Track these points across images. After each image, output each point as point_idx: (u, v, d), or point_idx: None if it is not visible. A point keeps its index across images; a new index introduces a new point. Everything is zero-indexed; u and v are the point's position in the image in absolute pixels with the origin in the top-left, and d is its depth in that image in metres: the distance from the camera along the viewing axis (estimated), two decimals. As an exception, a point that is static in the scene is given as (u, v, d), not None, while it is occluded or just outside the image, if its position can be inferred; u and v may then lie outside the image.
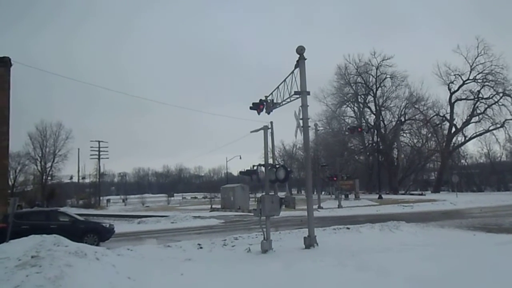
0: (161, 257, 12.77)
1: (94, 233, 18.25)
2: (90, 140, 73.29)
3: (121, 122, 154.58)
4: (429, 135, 73.91)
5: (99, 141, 71.79)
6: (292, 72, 15.02)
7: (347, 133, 59.82)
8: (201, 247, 14.43)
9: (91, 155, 71.74)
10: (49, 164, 73.82)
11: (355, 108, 74.88)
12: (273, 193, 16.03)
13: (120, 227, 23.00)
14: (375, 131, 71.30)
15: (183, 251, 13.77)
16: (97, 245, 16.01)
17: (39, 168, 73.82)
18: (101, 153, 71.79)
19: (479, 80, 68.09)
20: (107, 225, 19.68)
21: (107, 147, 72.67)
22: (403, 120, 71.14)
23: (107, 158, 73.07)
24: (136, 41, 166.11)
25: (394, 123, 72.39)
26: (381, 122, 72.89)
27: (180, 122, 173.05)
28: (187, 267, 11.34)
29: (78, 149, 72.40)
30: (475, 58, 67.01)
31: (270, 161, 25.49)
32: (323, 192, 61.40)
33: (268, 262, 11.53)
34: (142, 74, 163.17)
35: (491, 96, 67.89)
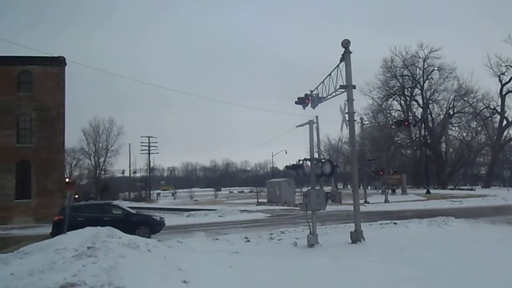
0: (209, 249, 13.07)
1: (145, 225, 18.81)
2: (141, 135, 75.29)
3: (169, 117, 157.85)
4: (479, 128, 71.36)
5: (149, 137, 73.82)
6: (338, 66, 14.96)
7: (393, 127, 58.68)
8: (248, 241, 14.65)
9: (141, 150, 73.96)
10: (102, 159, 76.76)
11: (401, 101, 73.24)
12: (319, 188, 16.08)
13: (170, 220, 23.59)
14: (423, 125, 69.56)
15: (230, 244, 14.04)
16: (149, 237, 16.52)
17: (93, 162, 76.83)
18: (151, 148, 73.81)
19: (532, 71, 65.11)
20: (158, 218, 20.23)
21: (156, 142, 74.67)
22: (451, 113, 69.01)
23: (157, 153, 75.21)
24: (176, 38, 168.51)
25: (442, 116, 70.33)
26: (429, 115, 71.01)
27: (225, 118, 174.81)
28: (235, 259, 11.57)
29: (129, 144, 74.83)
30: (528, 48, 64.04)
31: (316, 155, 25.51)
32: (369, 187, 60.57)
33: (314, 256, 11.61)
34: (183, 71, 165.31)
35: (545, 86, 64.86)
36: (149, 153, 73.12)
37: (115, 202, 25.30)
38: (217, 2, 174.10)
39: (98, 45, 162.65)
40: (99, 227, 12.88)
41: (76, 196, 41.66)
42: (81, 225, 13.91)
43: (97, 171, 75.70)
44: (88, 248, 10.58)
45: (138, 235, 15.62)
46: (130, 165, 78.33)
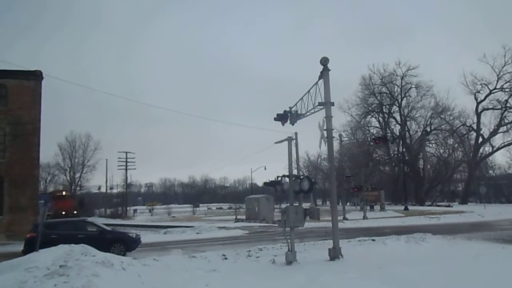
0: (186, 267, 12.84)
1: (120, 243, 18.46)
2: (118, 151, 74.29)
3: (148, 133, 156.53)
4: (456, 145, 72.82)
5: (126, 152, 72.85)
6: (316, 83, 15.03)
7: (372, 143, 59.20)
8: (225, 258, 14.46)
9: (118, 165, 72.81)
10: (78, 175, 75.67)
11: (380, 118, 74.42)
12: (297, 204, 15.99)
13: (147, 237, 23.26)
14: (401, 142, 70.64)
15: (208, 262, 13.83)
16: (124, 255, 16.20)
17: (68, 178, 75.67)
18: (128, 163, 72.73)
19: (506, 89, 67.05)
20: (134, 235, 19.88)
21: (134, 158, 73.66)
22: (429, 130, 70.29)
23: (134, 169, 73.85)
24: (150, 53, 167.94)
25: (419, 133, 71.71)
26: (407, 132, 72.25)
27: (204, 134, 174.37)
28: (212, 278, 11.38)
29: (106, 159, 73.89)
30: (502, 67, 66.07)
31: (295, 172, 25.47)
32: (348, 203, 60.81)
33: (292, 274, 11.50)
34: (163, 86, 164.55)
35: (519, 105, 66.62)
36: (126, 169, 72.01)
37: (89, 219, 24.78)
38: (197, 17, 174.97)
39: (79, 59, 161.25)
40: (72, 245, 12.66)
41: (50, 213, 40.75)
42: (55, 242, 13.62)
43: (73, 187, 74.48)
44: (61, 266, 10.34)
45: (113, 252, 15.43)
46: (106, 181, 77.27)
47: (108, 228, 20.45)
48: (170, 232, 28.17)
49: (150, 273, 11.69)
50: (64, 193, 55.49)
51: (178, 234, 27.55)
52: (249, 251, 15.91)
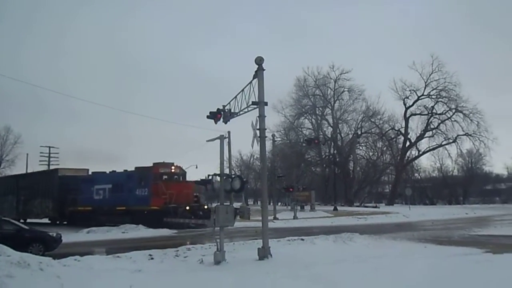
0: (109, 268, 12.30)
1: (39, 242, 17.44)
2: (40, 145, 70.19)
3: (72, 128, 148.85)
4: (384, 148, 75.85)
5: (49, 147, 69.15)
6: (251, 82, 14.94)
7: (304, 144, 60.40)
8: (152, 258, 14.02)
9: (40, 161, 68.60)
10: (-6, 170, 71.00)
11: (312, 120, 75.82)
12: (228, 203, 15.85)
13: (68, 236, 22.08)
14: (332, 143, 72.64)
15: (133, 262, 13.33)
16: (43, 255, 15.26)
17: (-16, 173, 70.74)
18: (51, 159, 69.11)
19: (433, 96, 70.83)
20: (54, 234, 18.86)
21: (57, 153, 69.98)
22: (359, 133, 72.66)
23: (58, 164, 70.00)
24: (87, 47, 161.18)
25: (350, 136, 73.87)
26: (338, 134, 74.23)
27: (135, 131, 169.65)
28: (137, 278, 10.99)
29: (27, 154, 69.23)
30: (430, 75, 69.73)
31: (227, 171, 25.30)
32: (279, 203, 61.49)
33: (220, 274, 11.33)
34: (93, 81, 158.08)
35: (444, 112, 70.88)
36: (48, 165, 67.81)
37: (6, 218, 23.25)
38: (124, 14, 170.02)
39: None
40: (-15, 244, 11.85)
41: None
42: (-34, 242, 12.63)
43: (-12, 182, 69.85)
44: (-29, 267, 9.64)
45: (31, 252, 14.61)
46: (26, 177, 72.77)
47: (26, 227, 19.35)
48: (94, 232, 26.92)
49: (70, 274, 11.11)
50: None
51: (103, 233, 26.43)
52: (177, 250, 15.54)
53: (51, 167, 63.67)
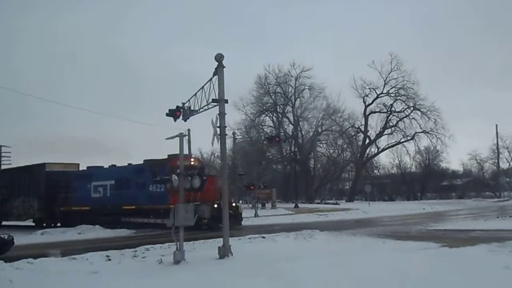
0: (64, 270, 11.90)
1: (-11, 245, 16.72)
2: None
3: (28, 126, 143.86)
4: (345, 146, 76.93)
5: (0, 146, 66.21)
6: (211, 79, 14.76)
7: (265, 142, 60.58)
8: (109, 259, 13.67)
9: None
10: None
11: (274, 117, 76.08)
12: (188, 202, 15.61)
13: (21, 238, 21.24)
14: (293, 141, 73.15)
15: (89, 264, 12.94)
16: (-7, 258, 14.65)
17: None
18: (3, 158, 66.18)
19: (392, 94, 72.56)
20: (5, 237, 18.09)
21: (10, 152, 66.95)
22: (320, 131, 73.33)
23: (10, 164, 66.97)
24: (37, 41, 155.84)
25: (311, 133, 74.40)
26: (299, 132, 74.67)
27: (94, 129, 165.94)
28: (93, 281, 10.74)
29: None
30: (389, 73, 71.23)
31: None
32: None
33: (179, 274, 11.12)
34: (44, 77, 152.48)
35: (402, 110, 72.72)
36: (0, 164, 65.09)
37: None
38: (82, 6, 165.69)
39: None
40: None
41: None
42: None
43: None
44: None
45: (-21, 256, 14.02)
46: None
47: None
48: (48, 233, 26.05)
49: (23, 277, 10.81)
50: None
51: (58, 234, 25.60)
52: (135, 251, 15.25)
53: (3, 167, 60.94)
